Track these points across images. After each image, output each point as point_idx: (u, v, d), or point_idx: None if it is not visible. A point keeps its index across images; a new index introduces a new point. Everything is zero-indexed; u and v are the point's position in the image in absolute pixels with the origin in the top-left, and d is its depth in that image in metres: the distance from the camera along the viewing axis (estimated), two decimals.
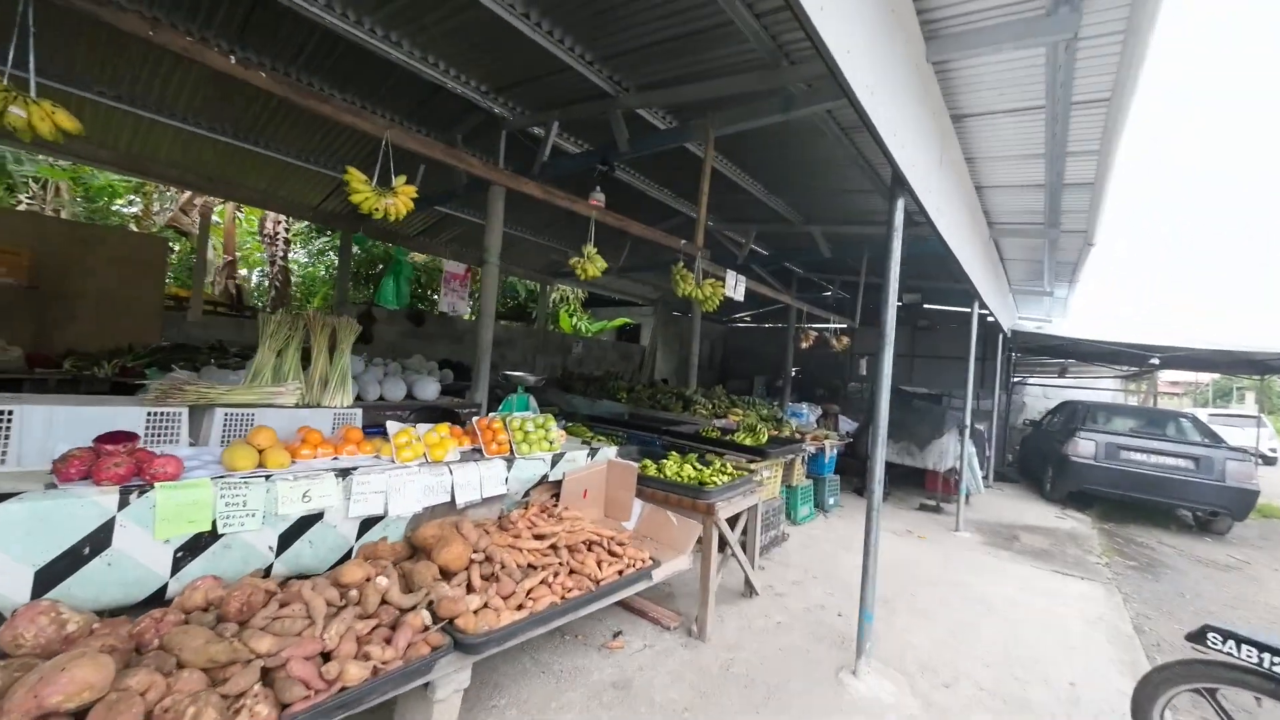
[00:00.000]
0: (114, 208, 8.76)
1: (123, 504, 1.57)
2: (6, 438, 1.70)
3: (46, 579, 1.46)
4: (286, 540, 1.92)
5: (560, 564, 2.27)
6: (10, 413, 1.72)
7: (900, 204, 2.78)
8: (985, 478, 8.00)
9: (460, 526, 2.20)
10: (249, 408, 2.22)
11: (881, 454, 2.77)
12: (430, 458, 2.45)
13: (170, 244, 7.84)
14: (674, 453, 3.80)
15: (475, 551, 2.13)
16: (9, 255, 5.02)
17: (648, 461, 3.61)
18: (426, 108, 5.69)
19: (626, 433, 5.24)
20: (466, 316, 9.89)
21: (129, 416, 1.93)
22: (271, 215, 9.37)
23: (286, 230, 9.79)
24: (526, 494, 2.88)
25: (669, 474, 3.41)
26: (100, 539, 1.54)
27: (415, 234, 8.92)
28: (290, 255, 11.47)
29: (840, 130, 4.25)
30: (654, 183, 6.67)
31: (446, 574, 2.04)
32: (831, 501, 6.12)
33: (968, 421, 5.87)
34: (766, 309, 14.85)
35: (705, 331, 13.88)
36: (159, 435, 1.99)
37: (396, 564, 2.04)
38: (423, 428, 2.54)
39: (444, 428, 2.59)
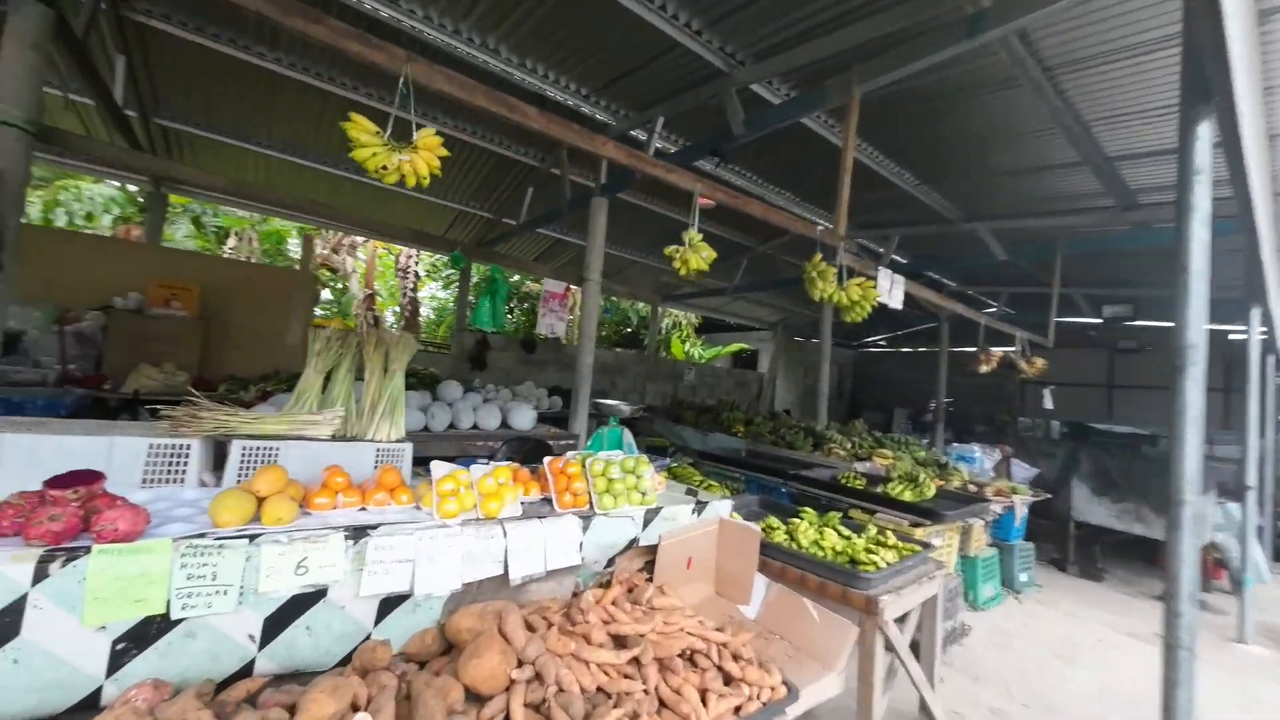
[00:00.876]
0: (286, 250, 10.10)
1: (39, 576, 1.15)
2: None
3: None
4: (275, 626, 1.41)
5: (646, 693, 1.51)
6: None
7: (1204, 131, 1.69)
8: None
9: (504, 620, 1.55)
10: (274, 440, 1.82)
11: (1190, 551, 1.63)
12: (482, 512, 1.86)
13: (323, 282, 8.80)
14: (808, 510, 2.87)
15: (520, 665, 1.45)
16: (183, 290, 5.67)
17: (774, 522, 2.72)
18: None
19: (744, 475, 4.35)
20: (565, 339, 9.70)
21: (128, 450, 1.59)
22: (405, 250, 10.18)
23: (417, 264, 10.56)
24: (611, 562, 2.17)
25: (804, 544, 2.49)
26: (5, 626, 1.11)
27: (533, 260, 9.00)
28: (429, 290, 12.51)
29: (1042, 73, 3.11)
30: (770, 184, 5.85)
31: (477, 697, 1.39)
32: (1024, 579, 4.59)
33: (1251, 480, 4.05)
34: (906, 330, 12.94)
35: (833, 357, 12.42)
36: (161, 474, 1.64)
37: (410, 674, 1.43)
38: (478, 470, 1.97)
39: (505, 471, 2.00)
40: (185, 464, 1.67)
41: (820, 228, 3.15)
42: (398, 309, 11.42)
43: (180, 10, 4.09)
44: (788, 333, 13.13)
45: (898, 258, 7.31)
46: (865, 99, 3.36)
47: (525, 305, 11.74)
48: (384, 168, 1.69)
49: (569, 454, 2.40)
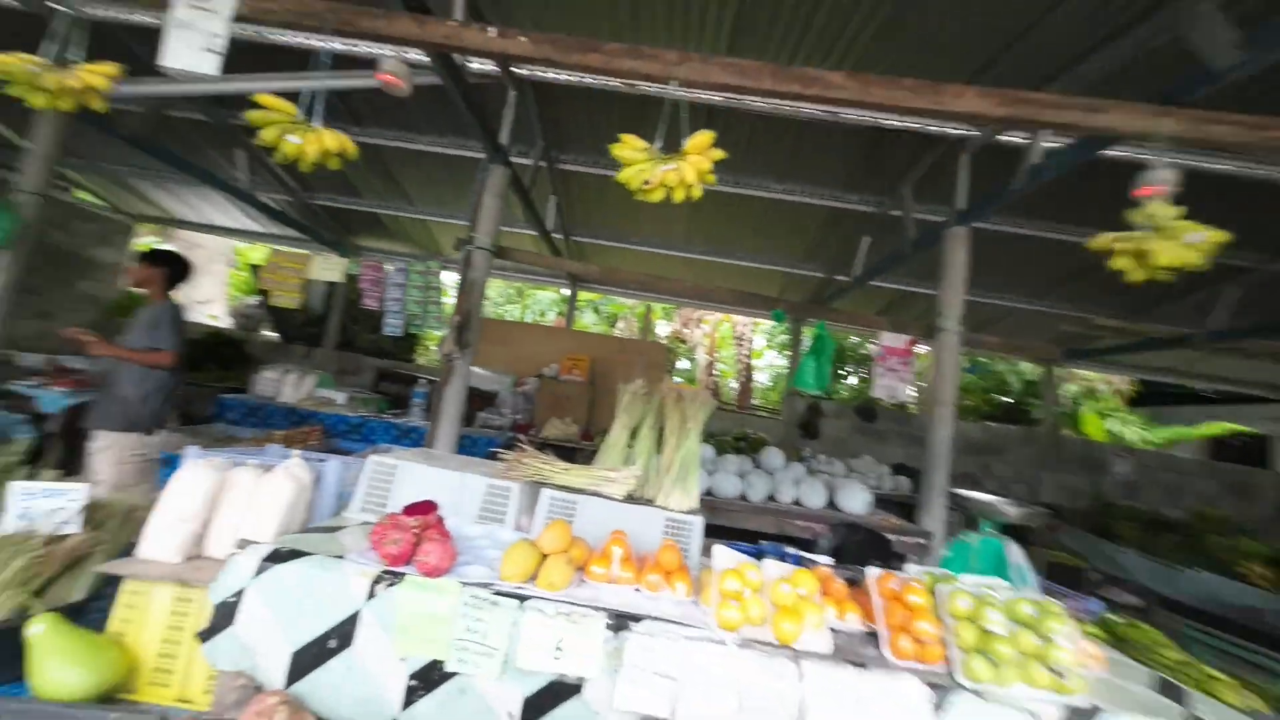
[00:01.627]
0: (654, 327, 12.24)
1: (370, 594, 1.29)
2: (386, 493, 1.82)
3: (299, 666, 1.27)
4: (533, 711, 1.26)
5: None
6: (395, 468, 1.85)
7: None
8: None
9: None
10: (574, 493, 1.82)
11: None
12: (773, 632, 1.35)
13: (674, 352, 10.16)
14: None
15: None
16: (579, 361, 7.33)
17: None
18: (868, 166, 4.98)
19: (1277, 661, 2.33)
20: (913, 407, 8.03)
21: (474, 487, 1.83)
22: (741, 319, 10.80)
23: (752, 331, 11.01)
24: None
25: None
26: (346, 633, 1.28)
27: (874, 315, 8.11)
28: (767, 357, 12.97)
29: None
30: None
31: None
32: None
33: None
34: None
35: None
36: (492, 513, 1.81)
37: None
38: (773, 569, 1.50)
39: (808, 578, 1.45)
40: (507, 508, 1.80)
41: None
42: (736, 375, 12.18)
43: (586, 152, 5.48)
44: None
45: None
46: None
47: (865, 369, 10.62)
48: (646, 183, 1.55)
49: (911, 569, 1.64)
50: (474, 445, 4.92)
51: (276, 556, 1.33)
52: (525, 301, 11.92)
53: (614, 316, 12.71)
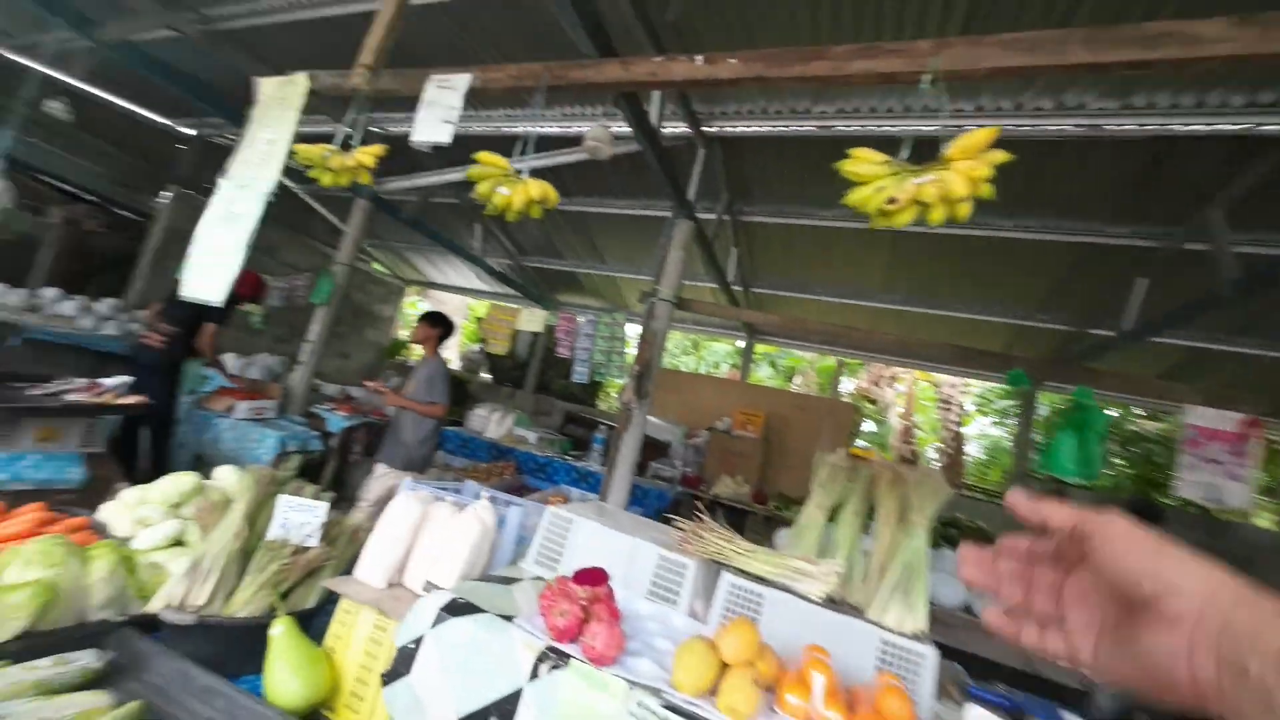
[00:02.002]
0: (838, 384, 11.20)
1: (534, 673, 1.16)
2: (560, 547, 1.74)
3: None
4: None
5: None
6: (570, 522, 1.77)
7: None
8: None
9: None
10: (760, 584, 1.51)
11: None
12: None
13: (866, 413, 9.05)
14: None
15: None
16: (753, 416, 6.94)
17: None
18: (1146, 190, 3.88)
19: None
20: (1234, 511, 5.71)
21: (645, 555, 1.65)
22: (949, 380, 9.18)
23: (962, 395, 9.27)
24: None
25: None
26: (507, 712, 1.16)
27: (1155, 377, 6.17)
28: (976, 425, 10.80)
29: None
30: None
31: None
32: None
33: None
34: None
35: None
36: (664, 590, 1.60)
37: None
38: None
39: None
40: (680, 587, 1.58)
41: None
42: (940, 444, 10.33)
43: (769, 202, 5.35)
44: None
45: None
46: None
47: (1136, 450, 8.04)
48: (891, 201, 1.20)
49: None
50: (645, 496, 4.87)
51: (453, 607, 1.31)
52: (700, 353, 12.05)
53: (791, 370, 12.02)
